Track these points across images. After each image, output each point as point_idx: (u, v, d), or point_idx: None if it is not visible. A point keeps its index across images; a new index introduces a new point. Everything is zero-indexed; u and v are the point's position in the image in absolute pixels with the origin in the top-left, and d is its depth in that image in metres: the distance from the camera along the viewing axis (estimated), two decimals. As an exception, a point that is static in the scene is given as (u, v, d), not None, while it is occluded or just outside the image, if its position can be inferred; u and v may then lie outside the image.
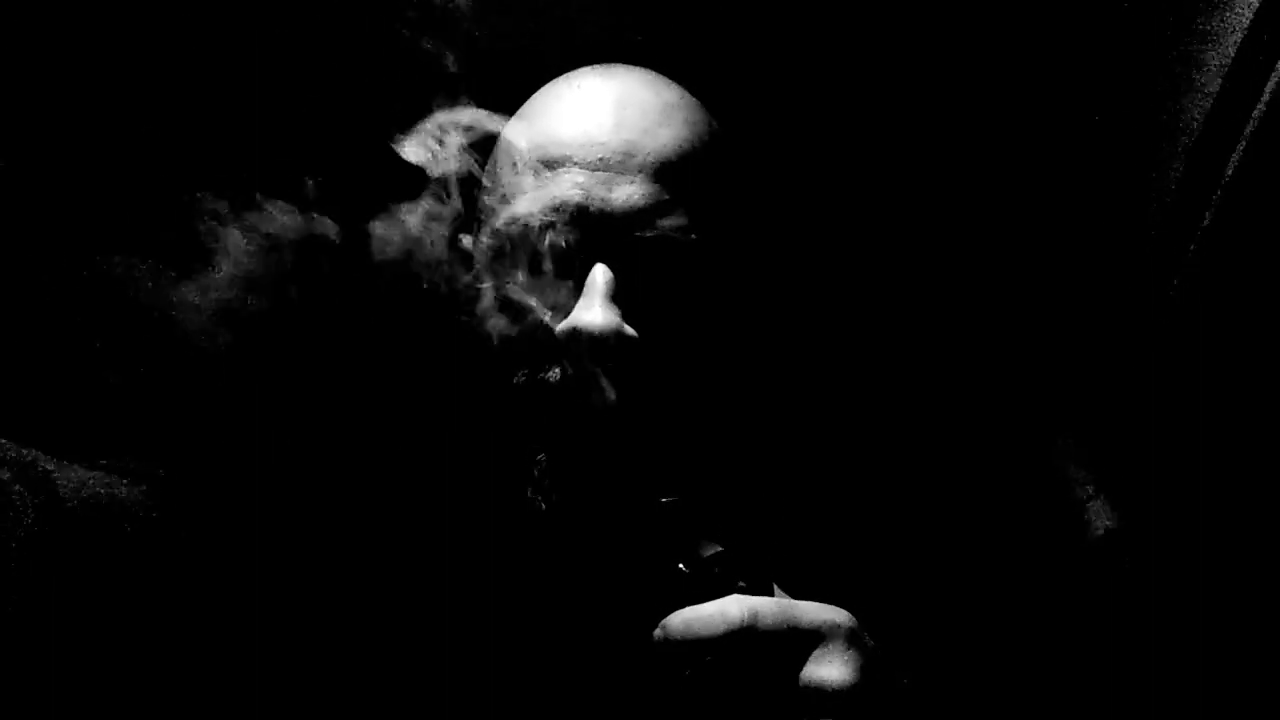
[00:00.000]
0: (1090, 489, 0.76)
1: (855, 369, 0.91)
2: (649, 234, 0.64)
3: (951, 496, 0.78)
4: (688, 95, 0.71)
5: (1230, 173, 0.78)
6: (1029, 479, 0.81)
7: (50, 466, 0.57)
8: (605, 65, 0.73)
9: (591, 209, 0.64)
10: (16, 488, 0.54)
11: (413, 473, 0.77)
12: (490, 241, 0.68)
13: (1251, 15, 0.77)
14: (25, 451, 0.57)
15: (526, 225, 0.65)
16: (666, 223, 0.65)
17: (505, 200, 0.67)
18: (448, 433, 0.78)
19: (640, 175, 0.65)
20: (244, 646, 0.65)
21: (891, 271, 0.95)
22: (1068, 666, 0.70)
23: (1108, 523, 0.74)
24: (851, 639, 0.52)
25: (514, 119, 0.72)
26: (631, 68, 0.73)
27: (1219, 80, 0.79)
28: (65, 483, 0.57)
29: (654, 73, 0.73)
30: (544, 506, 0.66)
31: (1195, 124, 0.80)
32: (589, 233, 0.64)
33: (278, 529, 0.71)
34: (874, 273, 0.94)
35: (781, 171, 0.88)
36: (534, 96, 0.73)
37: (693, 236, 0.65)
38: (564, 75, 0.73)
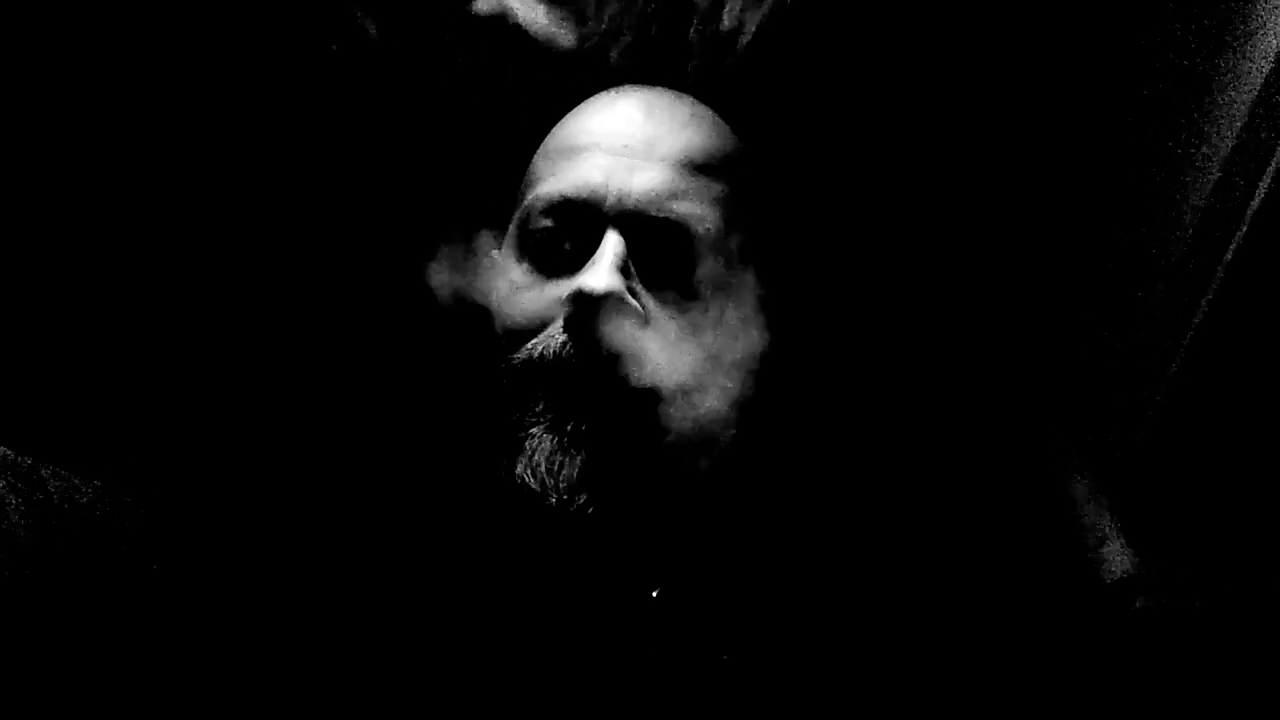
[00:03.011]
0: (1106, 531, 0.76)
1: (864, 392, 0.91)
2: (664, 215, 0.67)
3: (966, 534, 0.77)
4: (712, 112, 0.74)
5: (1253, 209, 0.78)
6: (1044, 521, 0.80)
7: (46, 474, 0.57)
8: (638, 85, 0.76)
9: (611, 188, 0.67)
10: (11, 495, 0.54)
11: (405, 460, 0.76)
12: (516, 223, 0.71)
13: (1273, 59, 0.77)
14: (21, 458, 0.56)
15: (549, 202, 0.68)
16: (682, 207, 0.67)
17: (531, 185, 0.71)
18: (445, 416, 0.78)
19: (662, 164, 0.68)
20: (237, 654, 0.64)
21: (905, 302, 0.94)
22: (1080, 707, 0.69)
23: (1124, 567, 0.73)
24: None
25: (553, 130, 0.75)
26: (669, 89, 0.76)
27: (1242, 117, 0.79)
28: (60, 491, 0.57)
29: (689, 95, 0.76)
30: (534, 485, 0.65)
31: (1221, 154, 0.80)
32: (607, 212, 0.66)
33: (272, 536, 0.70)
34: (886, 305, 0.94)
35: (801, 199, 0.88)
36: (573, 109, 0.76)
37: (708, 226, 0.67)
38: (599, 94, 0.76)
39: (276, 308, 0.90)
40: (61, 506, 0.56)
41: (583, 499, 0.65)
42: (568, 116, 0.75)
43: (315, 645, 0.66)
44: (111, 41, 0.85)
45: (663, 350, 0.66)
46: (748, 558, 0.71)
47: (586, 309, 0.64)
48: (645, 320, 0.65)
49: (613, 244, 0.65)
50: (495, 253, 0.76)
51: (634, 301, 0.65)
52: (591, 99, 0.75)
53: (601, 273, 0.64)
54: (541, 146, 0.74)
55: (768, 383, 0.74)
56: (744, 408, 0.71)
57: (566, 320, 0.65)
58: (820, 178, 0.91)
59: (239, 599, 0.66)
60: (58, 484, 0.57)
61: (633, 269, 0.66)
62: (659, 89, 0.75)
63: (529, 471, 0.66)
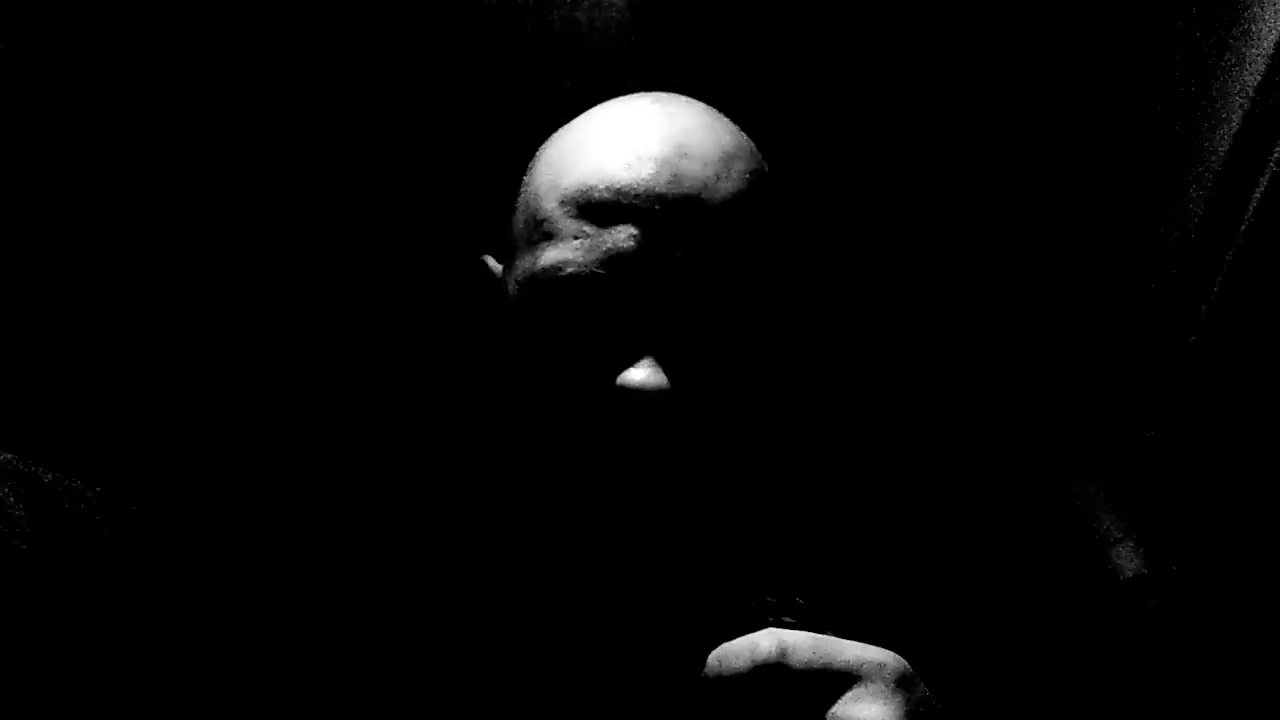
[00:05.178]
0: (1116, 532, 0.75)
1: (869, 401, 0.90)
2: (703, 291, 0.62)
3: (977, 538, 0.77)
4: (743, 138, 0.69)
5: (1256, 200, 0.77)
6: (1055, 522, 0.80)
7: (49, 479, 0.56)
8: (657, 96, 0.70)
9: (646, 263, 0.61)
10: (14, 501, 0.53)
11: (416, 495, 0.75)
12: (527, 279, 0.65)
13: (1270, 53, 0.76)
14: (25, 463, 0.55)
15: (577, 274, 0.61)
16: (724, 279, 0.62)
17: (549, 239, 0.64)
18: (466, 475, 0.76)
19: (697, 231, 0.62)
20: (240, 660, 0.63)
21: (906, 302, 0.94)
22: (1092, 713, 0.69)
23: (1134, 567, 0.73)
24: (899, 683, 0.49)
25: (559, 140, 0.69)
26: (684, 101, 0.70)
27: (1241, 112, 0.79)
28: (64, 497, 0.56)
29: (709, 109, 0.70)
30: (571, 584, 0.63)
31: (1220, 152, 0.80)
32: (640, 287, 0.61)
33: (278, 543, 0.70)
34: (888, 304, 0.94)
35: (804, 199, 0.88)
36: (582, 121, 0.69)
37: (746, 290, 0.63)
38: (614, 103, 0.70)
39: (284, 311, 0.90)
40: (65, 512, 0.55)
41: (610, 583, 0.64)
42: (578, 140, 0.67)
43: (321, 654, 0.66)
44: (111, 41, 0.85)
45: (707, 438, 0.62)
46: (756, 567, 0.71)
47: (631, 406, 0.59)
48: (689, 409, 0.61)
49: (655, 333, 0.61)
50: (493, 264, 0.72)
51: (677, 393, 0.60)
52: (601, 117, 0.68)
53: (646, 368, 0.59)
54: (550, 177, 0.66)
55: (798, 414, 0.72)
56: (779, 447, 0.70)
57: (608, 415, 0.61)
58: (822, 177, 0.91)
59: (243, 606, 0.65)
60: (61, 489, 0.56)
61: (670, 347, 0.61)
62: (683, 107, 0.68)
63: (564, 574, 0.65)
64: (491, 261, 0.73)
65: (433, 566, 0.70)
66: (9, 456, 0.55)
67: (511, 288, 0.67)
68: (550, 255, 0.63)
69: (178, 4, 0.85)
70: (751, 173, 0.66)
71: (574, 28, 0.90)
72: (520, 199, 0.69)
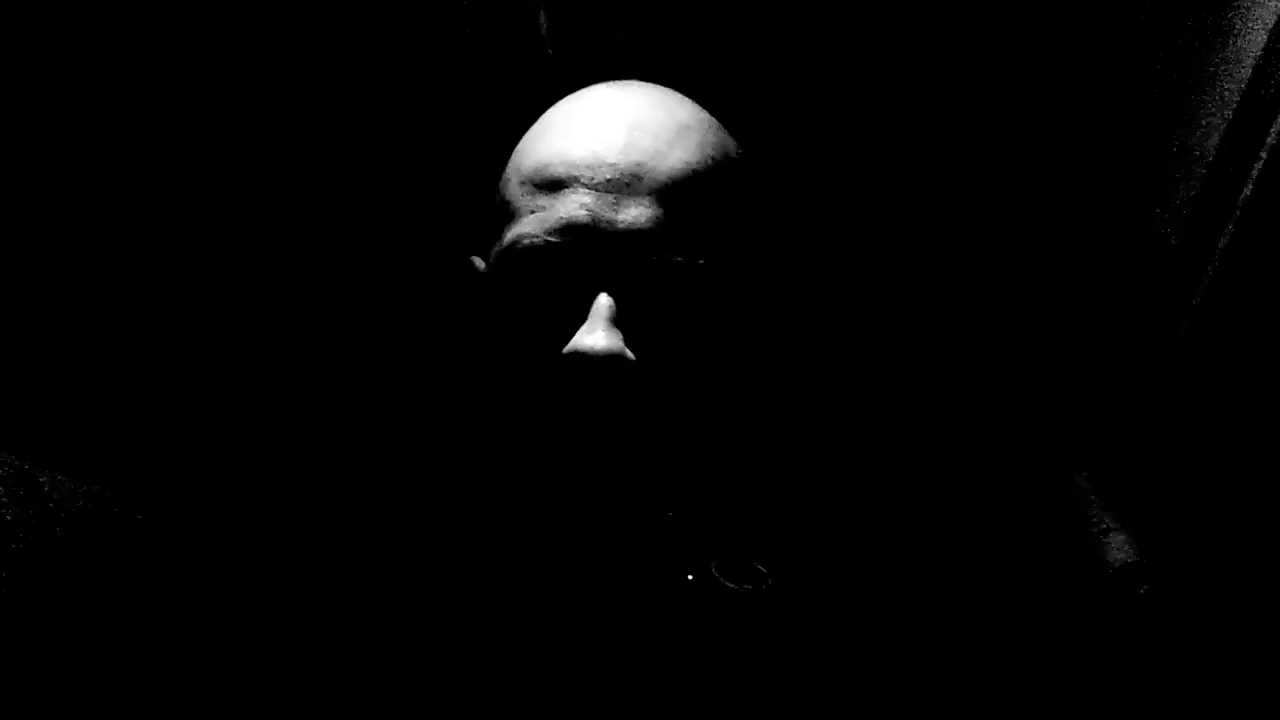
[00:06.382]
0: (1108, 522, 0.76)
1: (863, 390, 0.91)
2: (655, 257, 0.62)
3: (966, 526, 0.77)
4: (705, 116, 0.69)
5: (1245, 195, 0.77)
6: (1046, 512, 0.80)
7: (44, 479, 0.56)
8: (621, 83, 0.71)
9: (597, 230, 0.62)
10: (8, 500, 0.53)
11: (407, 488, 0.76)
12: (495, 260, 0.67)
13: (1260, 49, 0.76)
14: (20, 463, 0.56)
15: (531, 245, 0.63)
16: (673, 246, 0.63)
17: (512, 219, 0.65)
18: (446, 449, 0.77)
19: (648, 197, 0.63)
20: (236, 660, 0.63)
21: (902, 296, 0.94)
22: (1084, 700, 0.69)
23: (1126, 556, 0.73)
24: None
25: (526, 135, 0.71)
26: (648, 85, 0.71)
27: (1234, 103, 0.79)
28: (57, 497, 0.56)
29: (672, 92, 0.70)
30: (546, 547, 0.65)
31: (1211, 145, 0.80)
32: (594, 254, 0.62)
33: (274, 543, 0.70)
34: (884, 298, 0.94)
35: (797, 194, 0.88)
36: (545, 114, 0.71)
37: (700, 261, 0.63)
38: (577, 92, 0.71)
39: (281, 311, 0.90)
40: (58, 512, 0.56)
41: (588, 559, 0.66)
42: (541, 127, 0.69)
43: (317, 656, 0.66)
44: (112, 41, 0.85)
45: (663, 402, 0.63)
46: (753, 569, 0.71)
47: (584, 369, 0.60)
48: (644, 373, 0.62)
49: (605, 297, 0.62)
50: (479, 263, 0.73)
51: (632, 356, 0.61)
52: (565, 104, 0.70)
53: (598, 332, 0.60)
54: (515, 163, 0.69)
55: (771, 395, 0.72)
56: (748, 429, 0.70)
57: (563, 381, 0.62)
58: (814, 176, 0.91)
59: (238, 607, 0.65)
60: (54, 489, 0.56)
61: (627, 314, 0.62)
62: (643, 90, 0.70)
63: (539, 537, 0.66)
64: (478, 261, 0.73)
65: (418, 556, 0.71)
66: (4, 456, 0.55)
67: (488, 274, 0.68)
68: (510, 233, 0.65)
69: (178, 4, 0.85)
70: (707, 145, 0.67)
71: (577, 29, 0.90)
72: (496, 193, 0.71)
